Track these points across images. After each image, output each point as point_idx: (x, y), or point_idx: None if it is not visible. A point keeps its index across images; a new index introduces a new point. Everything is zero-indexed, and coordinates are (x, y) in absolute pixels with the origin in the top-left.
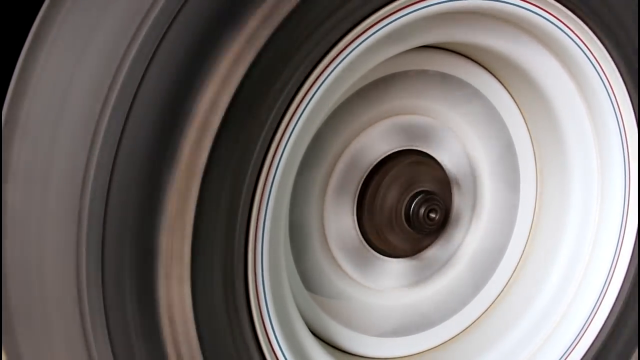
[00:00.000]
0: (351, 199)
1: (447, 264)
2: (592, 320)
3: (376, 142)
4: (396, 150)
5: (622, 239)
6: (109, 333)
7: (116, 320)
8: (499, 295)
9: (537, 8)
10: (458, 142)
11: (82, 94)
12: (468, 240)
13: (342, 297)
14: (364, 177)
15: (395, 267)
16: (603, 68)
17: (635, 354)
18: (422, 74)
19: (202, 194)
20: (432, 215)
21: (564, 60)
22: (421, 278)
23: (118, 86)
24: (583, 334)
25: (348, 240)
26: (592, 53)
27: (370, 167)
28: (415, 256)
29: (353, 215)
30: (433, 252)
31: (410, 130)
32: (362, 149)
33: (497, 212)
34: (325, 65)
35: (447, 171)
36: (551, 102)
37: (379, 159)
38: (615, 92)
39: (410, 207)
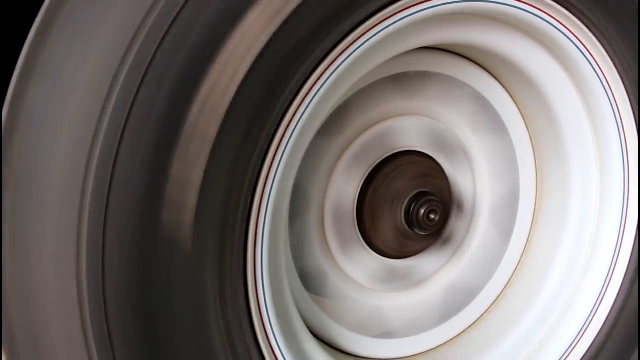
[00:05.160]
0: (351, 200)
1: (447, 265)
2: (592, 320)
3: (376, 144)
4: (396, 151)
5: (622, 239)
6: (109, 333)
7: (116, 320)
8: (498, 296)
9: (536, 10)
10: (457, 142)
11: (83, 94)
12: (467, 240)
13: (342, 297)
14: (364, 178)
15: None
16: (602, 69)
17: (635, 354)
18: (422, 75)
19: (202, 193)
20: (432, 216)
21: (563, 62)
22: (420, 279)
23: (119, 85)
24: (583, 334)
25: (348, 240)
26: (590, 54)
27: (371, 169)
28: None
29: (353, 216)
30: (428, 256)
31: (409, 132)
32: (363, 150)
33: (497, 213)
34: (326, 66)
35: (445, 171)
36: (550, 102)
37: (379, 160)
38: (614, 92)
39: (410, 208)
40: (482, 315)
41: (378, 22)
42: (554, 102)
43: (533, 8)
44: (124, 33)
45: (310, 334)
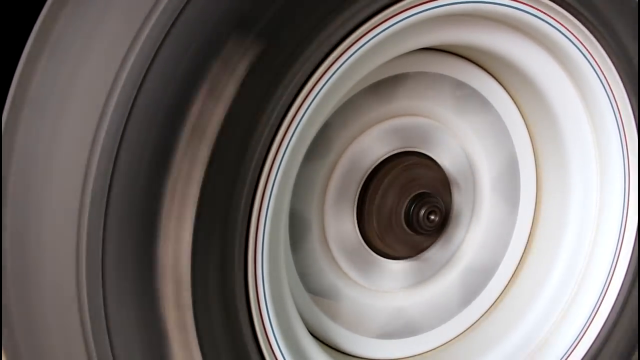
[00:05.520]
0: (351, 200)
1: (447, 265)
2: (592, 320)
3: (377, 143)
4: (397, 152)
5: (622, 239)
6: (109, 333)
7: (116, 320)
8: (499, 296)
9: (537, 11)
10: (458, 143)
11: (83, 95)
12: (467, 241)
13: (342, 298)
14: (365, 177)
15: (395, 269)
16: (602, 70)
17: (636, 354)
18: (422, 75)
19: (202, 194)
20: (432, 217)
21: (563, 62)
22: (421, 279)
23: (119, 87)
24: (583, 334)
25: (348, 241)
26: (591, 55)
27: (371, 168)
28: (416, 257)
29: (353, 215)
30: (433, 252)
31: (411, 132)
32: (363, 150)
33: (497, 214)
34: (328, 66)
35: (446, 171)
36: (550, 103)
37: (379, 160)
38: (614, 93)
39: (410, 209)
40: (482, 316)
41: (378, 23)
42: (554, 102)
43: (532, 9)
44: (125, 33)
45: (309, 334)
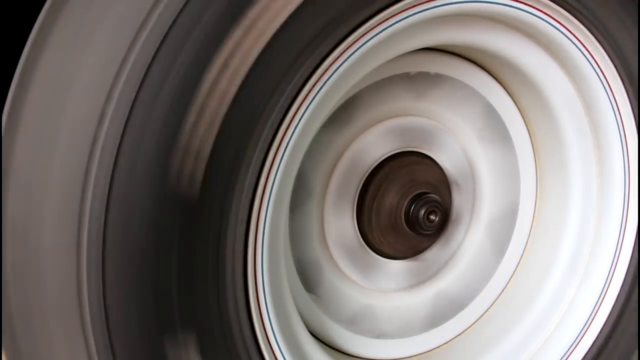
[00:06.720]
0: (351, 199)
1: (447, 265)
2: (592, 320)
3: (376, 143)
4: (396, 151)
5: (622, 239)
6: (109, 333)
7: (116, 320)
8: (499, 296)
9: (537, 10)
10: (457, 143)
11: (83, 95)
12: (468, 240)
13: (341, 298)
14: (364, 178)
15: (394, 268)
16: (602, 70)
17: (636, 354)
18: (422, 75)
19: (202, 194)
20: (432, 217)
21: (563, 62)
22: (421, 279)
23: (119, 87)
24: (583, 334)
25: (347, 241)
26: (591, 55)
27: (371, 169)
28: (415, 257)
29: (353, 215)
30: (432, 253)
31: (410, 132)
32: (363, 150)
33: (497, 213)
34: (327, 66)
35: (446, 172)
36: (550, 103)
37: (379, 161)
38: (614, 92)
39: (410, 209)
40: (482, 316)
41: (378, 23)
42: (554, 102)
43: (532, 9)
44: (125, 31)
45: (309, 334)
